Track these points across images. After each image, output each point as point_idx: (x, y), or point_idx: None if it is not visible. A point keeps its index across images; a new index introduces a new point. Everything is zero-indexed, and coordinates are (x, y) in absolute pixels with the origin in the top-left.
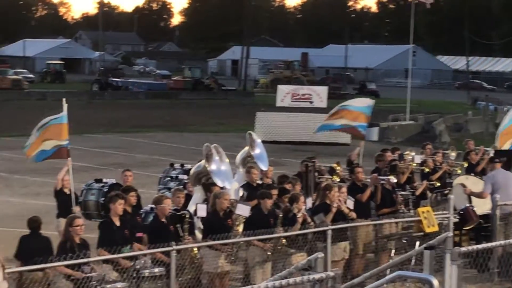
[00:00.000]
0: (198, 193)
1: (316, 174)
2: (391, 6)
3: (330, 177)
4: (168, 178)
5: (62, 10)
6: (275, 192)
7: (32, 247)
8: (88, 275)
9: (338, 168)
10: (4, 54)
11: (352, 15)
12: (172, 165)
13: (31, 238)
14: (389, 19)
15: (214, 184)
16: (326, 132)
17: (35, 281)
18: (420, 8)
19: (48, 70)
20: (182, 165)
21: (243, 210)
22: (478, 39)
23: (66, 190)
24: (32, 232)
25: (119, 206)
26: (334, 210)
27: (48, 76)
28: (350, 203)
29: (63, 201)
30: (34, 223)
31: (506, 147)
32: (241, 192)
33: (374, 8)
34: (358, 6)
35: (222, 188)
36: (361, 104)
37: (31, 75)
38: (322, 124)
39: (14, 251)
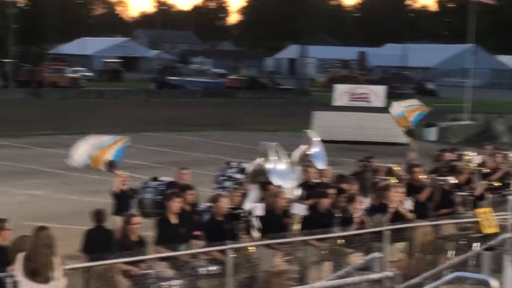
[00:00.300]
0: (254, 191)
1: (372, 173)
2: (451, 5)
3: (388, 177)
4: (224, 177)
5: (119, 8)
6: (332, 191)
7: (97, 241)
8: (145, 271)
9: (396, 169)
10: (63, 53)
11: (411, 14)
12: (228, 163)
13: (96, 231)
14: (448, 18)
15: (271, 183)
16: (384, 132)
17: (100, 275)
18: (480, 8)
19: (106, 68)
20: (238, 164)
21: (299, 209)
22: None
23: (124, 187)
24: (97, 225)
25: (175, 204)
26: (391, 210)
27: (106, 74)
28: (409, 203)
29: (121, 198)
30: (99, 216)
31: None
32: (298, 191)
33: (433, 7)
34: (417, 5)
35: (278, 187)
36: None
37: (89, 74)
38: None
39: (80, 245)
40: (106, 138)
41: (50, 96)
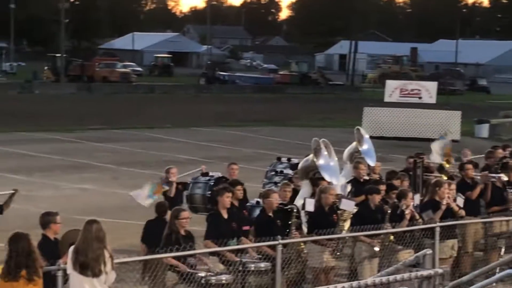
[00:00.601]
0: (305, 187)
1: (423, 170)
2: (504, 1)
3: (439, 174)
4: (273, 173)
5: (170, 4)
6: (383, 187)
7: (156, 232)
8: (192, 271)
9: (447, 165)
10: (114, 48)
11: (463, 10)
12: (279, 159)
13: (156, 222)
14: (501, 14)
15: (322, 179)
16: (435, 129)
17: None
18: None
19: (156, 63)
20: (289, 159)
21: (348, 205)
22: None
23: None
24: (157, 217)
25: (226, 199)
26: (443, 207)
27: (156, 69)
28: (460, 200)
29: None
30: (161, 208)
31: None
32: (348, 188)
33: (485, 3)
34: (470, 1)
35: (329, 183)
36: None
37: (139, 68)
38: None
39: (141, 235)
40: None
41: (100, 91)
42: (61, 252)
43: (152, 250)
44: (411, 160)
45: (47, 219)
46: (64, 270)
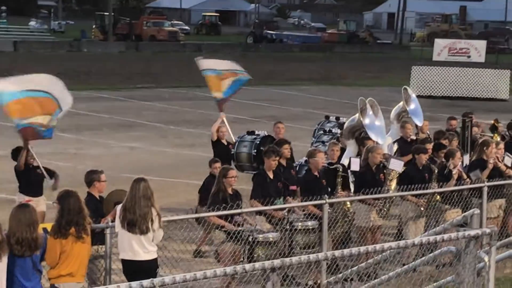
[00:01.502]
0: (351, 147)
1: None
2: None
3: (492, 134)
4: (321, 132)
5: None
6: (430, 147)
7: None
8: (239, 228)
9: (499, 125)
10: (161, 6)
11: None
12: (327, 117)
13: (210, 179)
14: None
15: (368, 138)
16: (484, 88)
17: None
18: None
19: (204, 22)
20: (337, 118)
21: (396, 165)
22: None
23: (223, 141)
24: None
25: (272, 162)
26: (490, 166)
27: (204, 28)
28: (508, 160)
29: (220, 151)
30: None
31: None
32: (395, 147)
33: None
34: None
35: (375, 142)
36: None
37: (186, 27)
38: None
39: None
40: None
41: (148, 50)
42: (105, 210)
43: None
44: (453, 121)
45: (91, 177)
46: (113, 228)
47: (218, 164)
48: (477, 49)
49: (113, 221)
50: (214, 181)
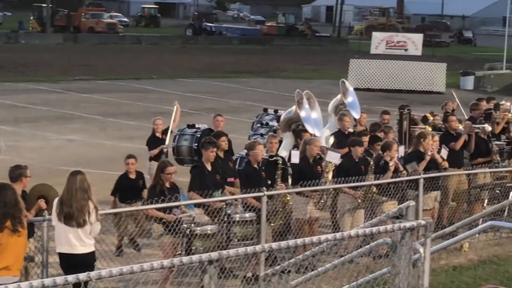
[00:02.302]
0: (287, 139)
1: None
2: None
3: (423, 127)
4: (259, 124)
5: None
6: (366, 139)
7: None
8: (179, 215)
9: (431, 117)
10: None
11: None
12: (265, 110)
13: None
14: None
15: (304, 131)
16: (420, 81)
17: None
18: None
19: (143, 14)
20: (275, 111)
21: (333, 157)
22: None
23: (158, 134)
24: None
25: (211, 154)
26: (427, 158)
27: (143, 20)
28: (444, 152)
29: (156, 144)
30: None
31: None
32: (331, 140)
33: None
34: None
35: (312, 135)
36: None
37: (125, 19)
38: None
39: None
40: None
41: (87, 42)
42: (28, 205)
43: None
44: (386, 116)
45: (19, 172)
46: (49, 221)
47: (131, 160)
48: (414, 42)
49: (36, 215)
50: (127, 177)
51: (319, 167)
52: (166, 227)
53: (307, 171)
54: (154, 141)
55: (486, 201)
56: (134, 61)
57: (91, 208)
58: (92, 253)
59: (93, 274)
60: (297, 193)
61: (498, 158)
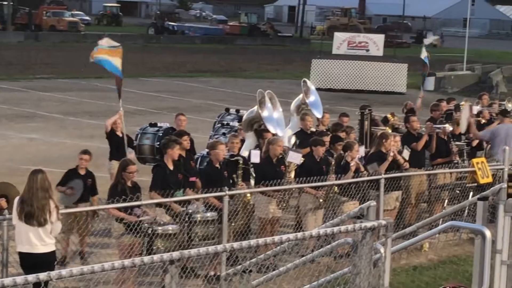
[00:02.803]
0: (249, 139)
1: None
2: None
3: (384, 128)
4: (220, 124)
5: None
6: (327, 139)
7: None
8: (140, 219)
9: (392, 118)
10: None
11: None
12: (227, 110)
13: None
14: None
15: (266, 131)
16: (382, 81)
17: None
18: None
19: (105, 12)
20: (237, 111)
21: (294, 158)
22: None
23: (118, 133)
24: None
25: (176, 152)
26: (390, 159)
27: (105, 18)
28: (407, 153)
29: (116, 143)
30: None
31: None
32: (293, 139)
33: None
34: None
35: (274, 134)
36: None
37: (87, 18)
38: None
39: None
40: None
41: (48, 40)
42: None
43: None
44: (345, 118)
45: None
46: (10, 220)
47: (85, 156)
48: (376, 43)
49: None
50: (76, 172)
51: (282, 166)
52: (127, 226)
53: (271, 170)
54: (113, 138)
55: (446, 201)
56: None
57: (52, 207)
58: (53, 252)
59: (53, 273)
60: (261, 192)
61: (458, 159)
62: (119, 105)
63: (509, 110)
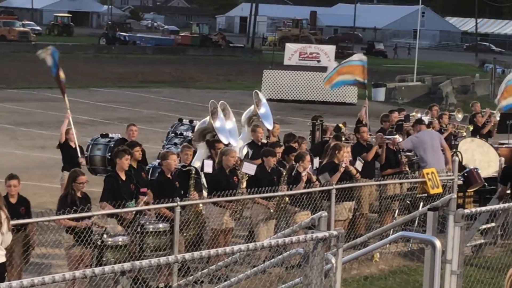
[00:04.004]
0: (201, 149)
1: (321, 133)
2: None
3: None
4: (173, 134)
5: None
6: (279, 150)
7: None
8: (91, 226)
9: (343, 128)
10: (12, 6)
11: None
12: (180, 120)
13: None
14: None
15: (218, 141)
16: (333, 91)
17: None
18: None
19: (56, 22)
20: (191, 121)
21: (249, 169)
22: (487, 1)
23: (72, 144)
24: None
25: (125, 162)
26: (342, 170)
27: (56, 29)
28: (359, 164)
29: (68, 154)
30: None
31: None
32: (245, 150)
33: None
34: None
35: (226, 145)
36: (358, 58)
37: (38, 28)
38: (336, 81)
39: None
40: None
41: None
42: None
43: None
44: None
45: None
46: None
47: (13, 182)
48: (327, 54)
49: None
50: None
51: (235, 177)
52: (78, 237)
53: (224, 181)
54: (66, 148)
55: (397, 211)
56: (47, 70)
57: (2, 218)
58: (3, 264)
59: (3, 285)
60: (213, 203)
61: (408, 169)
62: (66, 106)
63: (458, 120)
